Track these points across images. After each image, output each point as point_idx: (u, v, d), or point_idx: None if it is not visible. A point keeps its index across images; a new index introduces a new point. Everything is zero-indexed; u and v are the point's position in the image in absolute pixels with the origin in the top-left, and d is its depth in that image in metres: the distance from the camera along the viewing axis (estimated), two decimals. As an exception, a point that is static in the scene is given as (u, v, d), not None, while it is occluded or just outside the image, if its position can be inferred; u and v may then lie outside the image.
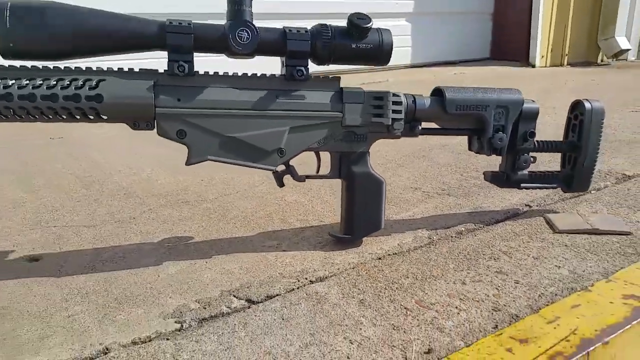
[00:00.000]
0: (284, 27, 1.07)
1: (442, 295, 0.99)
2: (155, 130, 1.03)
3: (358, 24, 1.06)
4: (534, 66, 4.85)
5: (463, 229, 1.31)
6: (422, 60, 4.79)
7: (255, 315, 0.92)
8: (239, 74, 1.08)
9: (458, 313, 0.93)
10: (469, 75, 4.23)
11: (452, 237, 1.27)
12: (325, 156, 1.20)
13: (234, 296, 0.99)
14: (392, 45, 1.10)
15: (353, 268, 1.10)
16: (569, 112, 1.37)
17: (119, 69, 1.01)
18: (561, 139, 1.38)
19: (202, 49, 1.03)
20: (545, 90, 3.46)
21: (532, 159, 1.31)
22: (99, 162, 1.91)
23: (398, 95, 1.15)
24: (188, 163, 1.06)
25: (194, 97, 1.04)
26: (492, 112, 1.24)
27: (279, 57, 1.10)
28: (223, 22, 1.02)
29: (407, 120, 1.18)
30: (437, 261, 1.13)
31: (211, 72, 1.06)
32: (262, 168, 1.11)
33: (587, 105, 1.31)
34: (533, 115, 1.28)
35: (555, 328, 0.88)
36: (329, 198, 1.50)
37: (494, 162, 1.39)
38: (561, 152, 1.38)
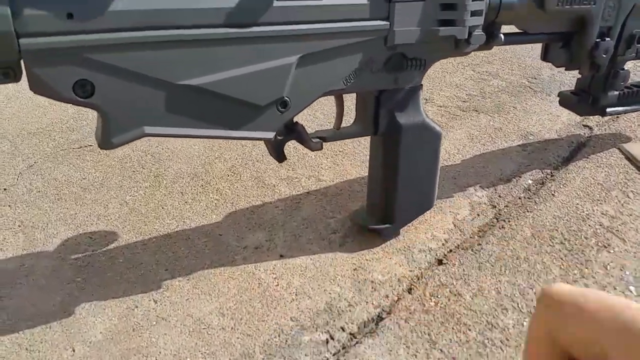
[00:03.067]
0: None
1: (577, 349, 0.60)
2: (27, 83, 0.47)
3: None
4: None
5: (530, 181, 0.90)
6: None
7: None
8: (194, -49, 0.51)
9: None
10: None
11: (521, 199, 0.86)
12: (350, 98, 0.69)
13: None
14: None
15: (409, 291, 0.67)
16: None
17: None
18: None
19: None
20: None
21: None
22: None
23: (479, -14, 0.64)
24: (105, 144, 0.52)
25: (103, 7, 0.47)
26: (602, 6, 0.77)
27: None
28: None
29: (485, 25, 0.68)
30: (530, 262, 0.72)
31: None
32: (249, 138, 0.59)
33: None
34: (646, 8, 0.82)
35: None
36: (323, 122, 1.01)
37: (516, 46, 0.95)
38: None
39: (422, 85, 0.68)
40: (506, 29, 0.71)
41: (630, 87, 0.94)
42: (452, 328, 0.61)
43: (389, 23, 0.60)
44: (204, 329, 0.61)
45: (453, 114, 1.11)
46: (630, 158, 0.96)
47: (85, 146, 0.99)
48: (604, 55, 0.80)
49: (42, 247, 0.74)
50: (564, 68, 0.84)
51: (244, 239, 0.75)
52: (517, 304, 0.65)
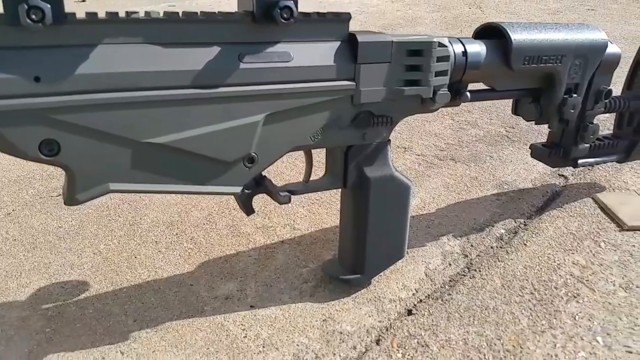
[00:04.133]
0: None
1: (542, 404, 0.60)
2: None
3: None
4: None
5: (503, 230, 0.91)
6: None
7: None
8: (162, 15, 0.53)
9: None
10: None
11: (493, 248, 0.87)
12: (318, 152, 0.71)
13: None
14: None
15: (377, 342, 0.67)
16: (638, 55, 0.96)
17: None
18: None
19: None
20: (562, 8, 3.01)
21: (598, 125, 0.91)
22: None
23: (444, 45, 0.67)
24: (70, 200, 0.53)
25: (69, 71, 0.49)
26: (569, 64, 0.80)
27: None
28: None
29: (451, 83, 0.71)
30: (498, 312, 0.72)
31: (104, 14, 0.51)
32: (217, 193, 0.61)
33: None
34: (612, 65, 0.85)
35: None
36: (293, 175, 1.03)
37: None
38: (630, 111, 0.98)
39: (389, 140, 0.70)
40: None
41: (602, 140, 0.97)
42: (418, 382, 0.61)
43: (355, 83, 0.63)
44: (168, 382, 0.60)
45: (430, 162, 1.14)
46: (603, 208, 0.98)
47: (60, 194, 1.00)
48: (572, 111, 0.83)
49: (14, 296, 0.74)
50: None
51: (215, 289, 0.75)
52: (484, 355, 0.65)
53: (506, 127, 1.31)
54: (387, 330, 0.69)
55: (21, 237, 0.87)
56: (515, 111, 0.88)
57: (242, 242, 0.86)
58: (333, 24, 0.61)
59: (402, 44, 0.64)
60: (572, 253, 0.85)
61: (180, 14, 0.54)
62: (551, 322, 0.71)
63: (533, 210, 0.97)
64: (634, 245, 0.87)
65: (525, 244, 0.87)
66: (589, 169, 1.12)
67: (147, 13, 0.53)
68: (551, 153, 0.91)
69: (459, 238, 0.88)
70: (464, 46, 0.70)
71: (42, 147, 0.50)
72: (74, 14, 0.49)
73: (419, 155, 1.17)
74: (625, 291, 0.77)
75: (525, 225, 0.93)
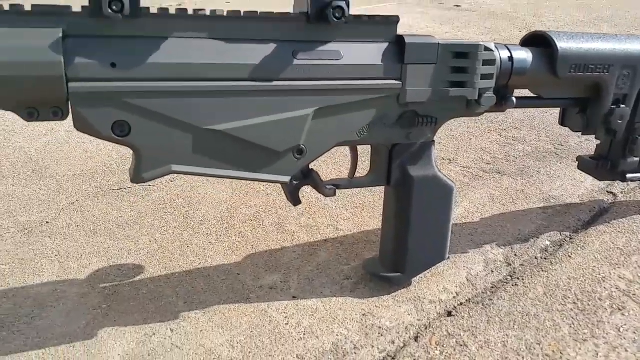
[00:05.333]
0: None
1: (580, 408, 0.60)
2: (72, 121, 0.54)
3: None
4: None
5: (548, 242, 0.91)
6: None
7: None
8: (225, 13, 0.58)
9: None
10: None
11: (537, 258, 0.86)
12: (364, 149, 0.74)
13: None
14: None
15: (416, 339, 0.69)
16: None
17: (7, 9, 0.50)
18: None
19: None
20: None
21: (644, 138, 0.90)
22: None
23: (490, 50, 0.69)
24: (136, 178, 0.58)
25: (142, 60, 0.54)
26: (617, 74, 0.80)
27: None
28: None
29: (497, 87, 0.73)
30: (539, 319, 0.72)
31: (175, 10, 0.56)
32: (266, 180, 0.64)
33: None
34: (664, 77, 0.85)
35: None
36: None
37: (544, 114, 0.97)
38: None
39: (434, 141, 0.73)
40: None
41: (652, 155, 0.95)
42: (455, 377, 0.62)
43: (401, 82, 0.66)
44: (214, 359, 0.64)
45: (476, 174, 1.14)
46: (653, 225, 0.96)
47: (124, 188, 1.06)
48: (619, 122, 0.83)
49: (75, 275, 0.79)
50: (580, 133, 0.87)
51: (260, 279, 0.78)
52: (523, 358, 0.65)
53: (555, 145, 1.30)
54: (426, 328, 0.70)
55: (83, 224, 0.93)
56: (563, 121, 0.88)
57: (287, 238, 0.89)
58: (382, 26, 0.64)
59: (449, 46, 0.66)
60: (619, 267, 0.84)
61: (242, 13, 0.58)
62: (594, 332, 0.70)
63: (579, 224, 0.96)
64: (685, 264, 0.85)
65: (570, 256, 0.87)
66: (636, 186, 1.10)
67: (212, 11, 0.58)
68: (598, 165, 0.91)
69: (502, 247, 0.88)
70: (510, 52, 0.72)
71: (115, 128, 0.55)
72: (147, 8, 0.54)
73: (463, 167, 1.17)
74: (674, 307, 0.76)
75: (571, 238, 0.92)
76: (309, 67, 0.61)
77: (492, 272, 0.82)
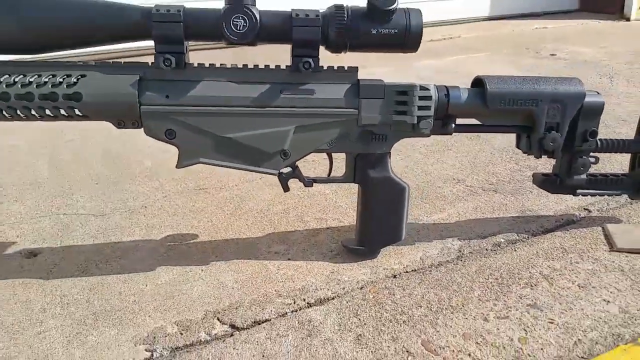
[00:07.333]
0: (292, 10, 0.91)
1: (456, 336, 0.84)
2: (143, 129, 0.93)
3: (378, 5, 0.88)
4: (628, 19, 4.30)
5: (502, 239, 1.13)
6: (501, 12, 4.36)
7: (234, 349, 0.82)
8: (238, 66, 0.94)
9: (471, 363, 0.79)
10: (550, 31, 3.80)
11: (486, 250, 1.10)
12: (340, 156, 1.05)
13: (218, 319, 0.89)
14: (421, 29, 0.91)
15: (361, 288, 0.97)
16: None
17: (103, 62, 0.91)
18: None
19: (193, 38, 0.90)
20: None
21: (593, 159, 1.09)
22: (127, 138, 1.85)
23: (427, 89, 0.97)
24: (179, 166, 0.96)
25: (184, 93, 0.92)
26: (545, 107, 1.03)
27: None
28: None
29: (439, 116, 1.00)
30: (460, 285, 0.97)
31: (206, 64, 0.93)
32: (262, 172, 0.98)
33: None
34: (596, 111, 1.05)
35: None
36: (355, 191, 1.36)
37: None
38: (631, 152, 1.15)
39: (389, 152, 1.02)
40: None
41: (606, 175, 1.14)
42: (374, 314, 0.90)
43: (358, 111, 0.97)
44: (222, 286, 0.98)
45: (474, 192, 1.38)
46: (607, 235, 1.14)
47: (203, 189, 1.46)
48: (552, 144, 1.05)
49: (153, 237, 1.19)
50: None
51: (270, 247, 1.12)
52: (433, 304, 0.91)
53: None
54: (372, 282, 0.99)
55: (168, 209, 1.33)
56: (517, 144, 1.12)
57: (301, 225, 1.22)
58: (347, 73, 0.96)
59: (392, 86, 0.96)
60: (552, 260, 1.05)
61: (250, 66, 0.94)
62: (498, 296, 0.94)
63: (541, 230, 1.17)
64: (613, 262, 1.03)
65: (515, 250, 1.09)
66: (620, 206, 1.26)
67: (232, 65, 0.94)
68: (546, 180, 1.12)
69: (461, 240, 1.13)
70: (447, 90, 0.99)
71: (167, 134, 0.93)
72: (191, 63, 0.92)
73: (468, 186, 1.41)
74: (579, 288, 0.96)
75: (525, 239, 1.13)
76: (291, 99, 0.95)
77: (443, 255, 1.08)
